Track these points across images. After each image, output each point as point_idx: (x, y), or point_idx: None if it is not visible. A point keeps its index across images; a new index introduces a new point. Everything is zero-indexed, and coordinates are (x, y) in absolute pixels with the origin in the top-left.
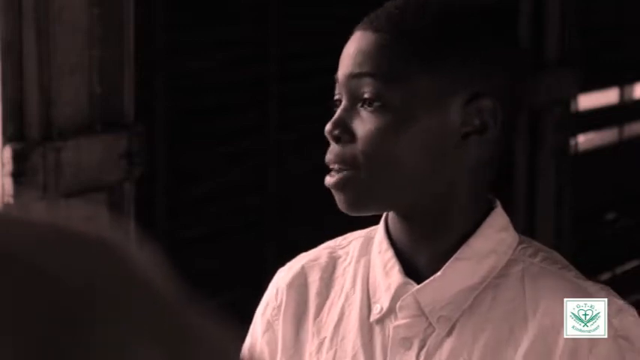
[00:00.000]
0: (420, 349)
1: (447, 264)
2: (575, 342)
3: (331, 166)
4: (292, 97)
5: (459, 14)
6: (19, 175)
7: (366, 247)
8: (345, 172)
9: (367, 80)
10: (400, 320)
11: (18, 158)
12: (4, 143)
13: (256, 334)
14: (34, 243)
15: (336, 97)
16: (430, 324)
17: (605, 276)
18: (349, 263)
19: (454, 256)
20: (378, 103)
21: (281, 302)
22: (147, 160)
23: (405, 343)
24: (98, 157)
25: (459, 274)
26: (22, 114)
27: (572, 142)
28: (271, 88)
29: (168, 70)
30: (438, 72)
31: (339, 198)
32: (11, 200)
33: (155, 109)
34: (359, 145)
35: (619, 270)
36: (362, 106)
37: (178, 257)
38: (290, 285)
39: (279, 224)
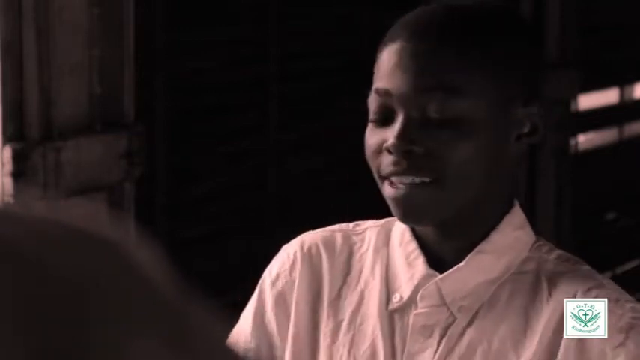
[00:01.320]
0: (442, 337)
1: (469, 256)
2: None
3: (395, 179)
4: (292, 97)
5: (510, 25)
6: (19, 175)
7: (383, 238)
8: (415, 185)
9: (433, 93)
10: (421, 309)
11: (18, 158)
12: (4, 143)
13: (264, 304)
14: (37, 240)
15: (375, 115)
16: (451, 314)
17: (605, 276)
18: (366, 250)
19: (476, 249)
20: (447, 115)
21: (295, 277)
22: (147, 160)
23: (426, 331)
24: (98, 157)
25: (480, 266)
26: (22, 114)
27: (572, 142)
28: (271, 88)
29: (168, 70)
30: (501, 80)
31: (402, 209)
32: (11, 200)
33: (155, 109)
34: (434, 158)
35: (619, 270)
36: (428, 119)
37: (178, 257)
38: (305, 261)
39: (279, 224)
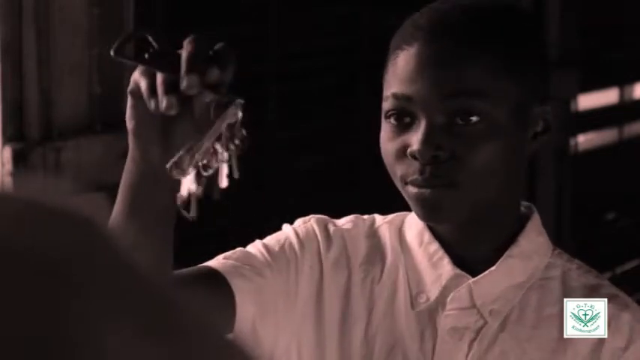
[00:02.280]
0: (472, 340)
1: (500, 260)
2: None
3: (421, 183)
4: (292, 97)
5: (523, 24)
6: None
7: (396, 237)
8: (441, 188)
9: (457, 98)
10: (450, 311)
11: (18, 158)
12: (4, 143)
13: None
14: (10, 221)
15: (393, 113)
16: (481, 317)
17: (605, 276)
18: (385, 246)
19: (506, 253)
20: (473, 117)
21: (322, 253)
22: None
23: (455, 333)
24: (98, 157)
25: (509, 270)
26: (22, 114)
27: (572, 142)
28: (270, 87)
29: None
30: (521, 80)
31: (425, 210)
32: None
33: None
34: (459, 162)
35: (619, 270)
36: (453, 121)
37: (177, 257)
38: (335, 240)
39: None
